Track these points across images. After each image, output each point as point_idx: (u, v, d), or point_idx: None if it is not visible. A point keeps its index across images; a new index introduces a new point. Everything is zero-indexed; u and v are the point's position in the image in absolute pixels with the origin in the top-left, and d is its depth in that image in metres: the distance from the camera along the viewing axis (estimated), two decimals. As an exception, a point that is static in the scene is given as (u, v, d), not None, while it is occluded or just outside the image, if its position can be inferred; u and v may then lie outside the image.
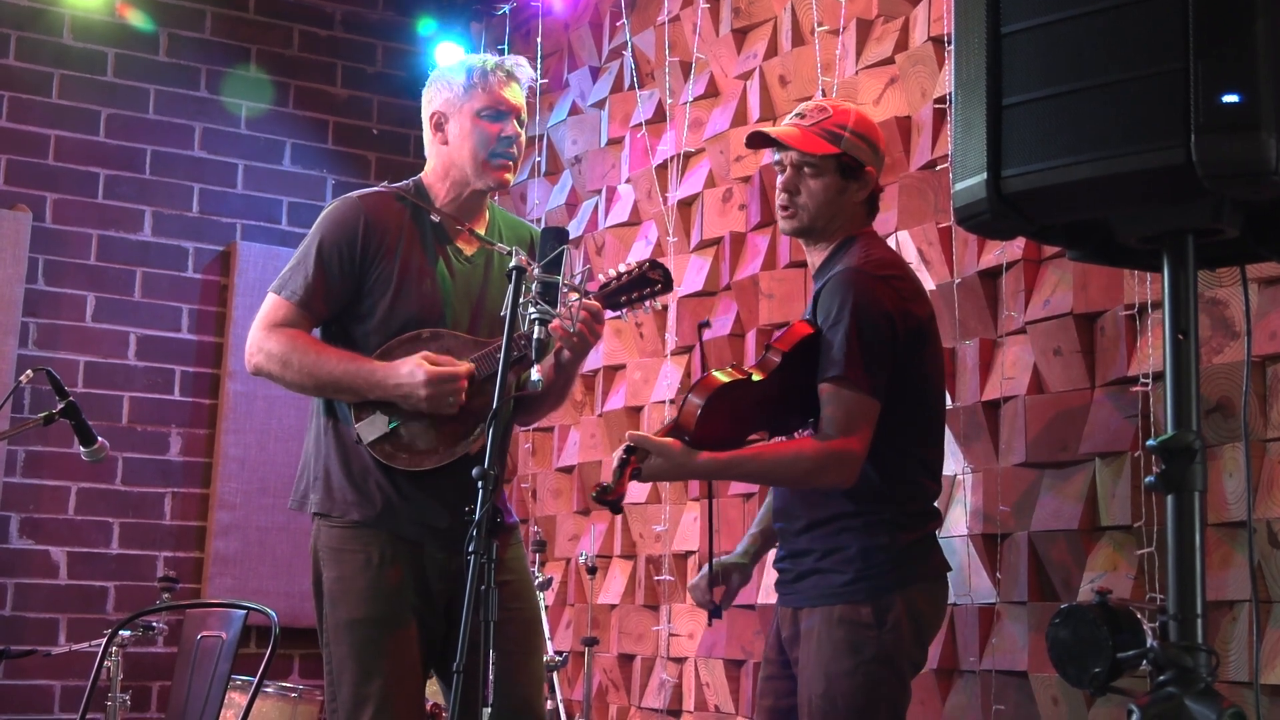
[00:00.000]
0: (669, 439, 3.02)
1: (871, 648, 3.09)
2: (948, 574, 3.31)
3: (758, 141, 3.39)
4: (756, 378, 3.13)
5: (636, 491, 5.54)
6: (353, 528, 3.37)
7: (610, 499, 2.96)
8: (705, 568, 3.42)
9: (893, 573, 3.15)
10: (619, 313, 3.44)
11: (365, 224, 3.41)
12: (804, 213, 3.29)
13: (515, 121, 3.50)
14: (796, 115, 3.37)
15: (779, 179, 3.33)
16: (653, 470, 3.00)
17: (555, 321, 3.13)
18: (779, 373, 3.13)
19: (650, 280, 3.44)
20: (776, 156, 3.35)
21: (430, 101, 3.54)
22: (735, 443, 3.13)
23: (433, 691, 4.36)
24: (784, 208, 3.32)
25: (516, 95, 3.51)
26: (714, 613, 3.40)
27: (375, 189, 3.55)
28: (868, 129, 3.33)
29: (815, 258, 3.36)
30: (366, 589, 3.32)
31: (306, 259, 3.41)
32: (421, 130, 3.60)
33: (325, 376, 3.35)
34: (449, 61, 3.62)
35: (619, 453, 3.01)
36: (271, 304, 3.42)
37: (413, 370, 3.30)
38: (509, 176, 3.52)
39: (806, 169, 3.28)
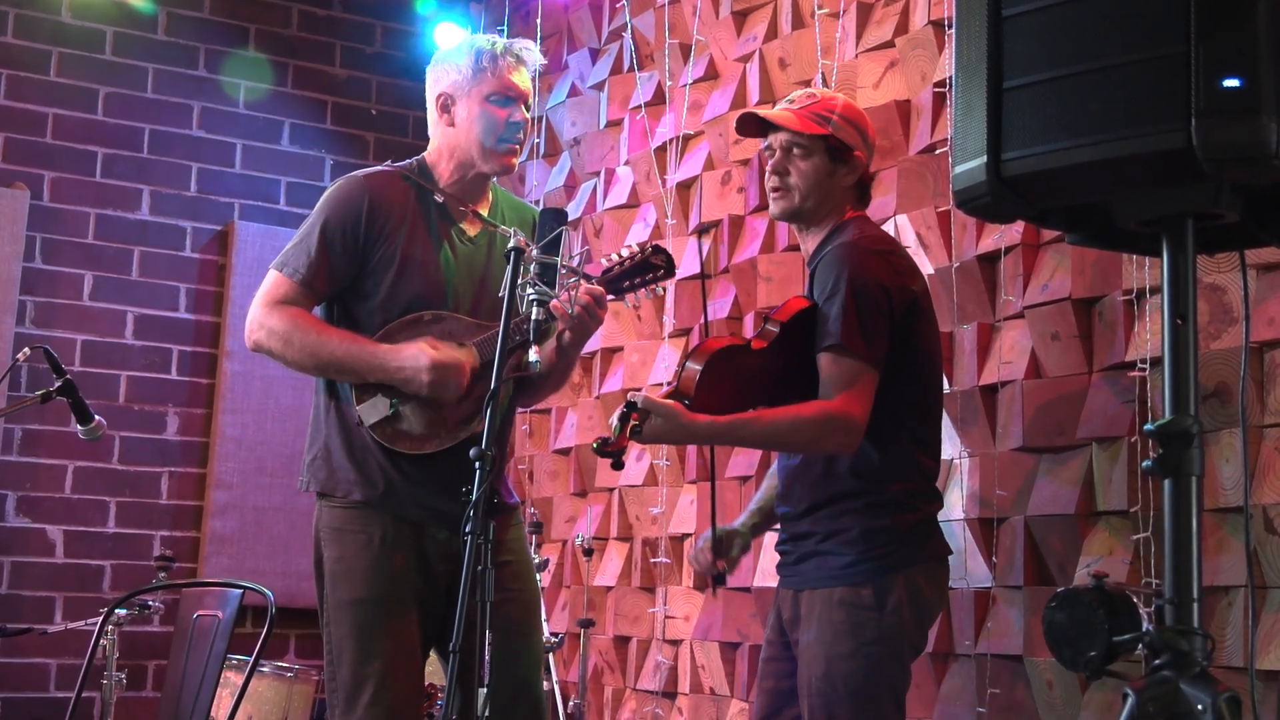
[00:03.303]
0: (670, 400, 3.02)
1: (872, 630, 3.10)
2: (948, 557, 3.31)
3: (748, 127, 3.41)
4: (755, 346, 3.14)
5: (634, 473, 5.55)
6: (354, 508, 3.36)
7: (610, 450, 2.95)
8: (706, 535, 3.41)
9: (894, 555, 3.15)
10: (620, 297, 3.44)
11: (370, 203, 3.40)
12: (794, 193, 3.32)
13: (523, 106, 3.49)
14: (787, 102, 3.41)
15: (769, 163, 3.35)
16: (653, 430, 2.97)
17: (556, 303, 3.13)
18: (777, 344, 3.14)
19: (653, 265, 3.44)
20: (767, 141, 3.37)
21: (437, 82, 3.52)
22: (736, 412, 3.12)
23: (430, 672, 4.37)
24: (774, 189, 3.35)
25: (525, 80, 3.50)
26: (718, 580, 3.40)
27: (380, 168, 3.53)
28: (856, 115, 3.36)
29: (808, 243, 3.38)
30: (367, 569, 3.32)
31: (310, 237, 3.40)
32: (420, 111, 3.58)
33: (327, 357, 3.34)
34: (455, 42, 3.59)
35: (620, 409, 2.98)
36: (273, 281, 3.41)
37: (416, 355, 3.29)
38: (514, 161, 3.51)
39: (796, 150, 3.31)
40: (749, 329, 4.97)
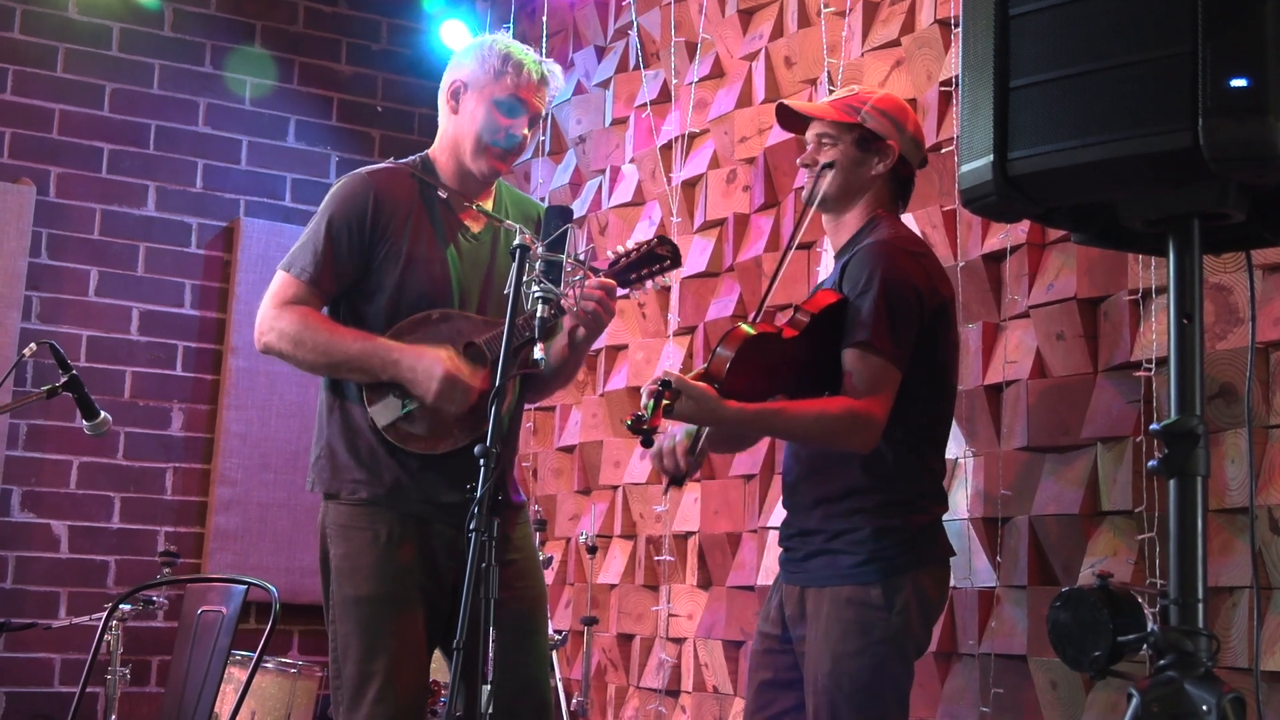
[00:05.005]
0: (702, 383, 3.00)
1: (880, 629, 3.10)
2: (951, 558, 3.32)
3: (789, 121, 3.45)
4: (786, 335, 3.13)
5: (637, 471, 5.55)
6: (361, 505, 3.35)
7: (645, 428, 2.90)
8: (674, 432, 3.27)
9: (904, 555, 3.15)
10: (628, 290, 3.43)
11: (375, 201, 3.40)
12: (821, 180, 3.30)
13: (527, 122, 3.48)
14: (830, 97, 3.42)
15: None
16: (684, 410, 2.94)
17: (570, 301, 3.12)
18: (807, 334, 3.13)
19: (659, 256, 3.43)
20: (807, 135, 3.38)
21: (457, 68, 3.51)
22: (762, 399, 3.11)
23: (434, 669, 4.37)
24: (808, 177, 3.35)
25: (541, 100, 3.49)
26: (677, 480, 3.26)
27: (384, 165, 3.53)
28: (893, 108, 3.34)
29: (838, 234, 3.37)
30: (373, 566, 3.31)
31: (316, 236, 3.39)
32: (425, 108, 3.59)
33: (340, 356, 3.33)
34: (491, 37, 3.54)
35: (652, 386, 2.94)
36: (281, 281, 3.40)
37: (433, 364, 3.27)
38: (503, 167, 3.51)
39: (825, 140, 3.32)
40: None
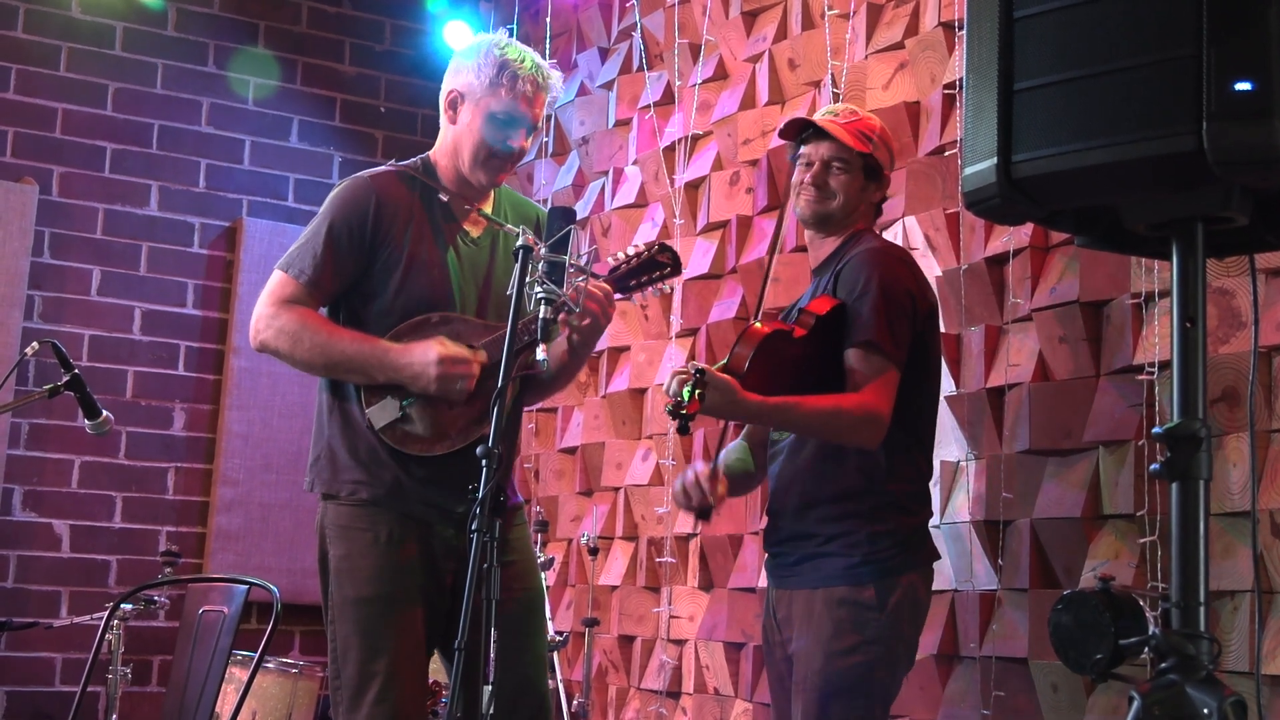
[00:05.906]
0: (727, 376, 3.03)
1: (873, 629, 3.13)
2: (936, 562, 3.35)
3: (792, 131, 3.45)
4: (796, 334, 3.19)
5: (639, 473, 5.55)
6: (361, 506, 3.34)
7: (684, 413, 2.91)
8: (696, 466, 3.28)
9: (898, 557, 3.19)
10: (627, 296, 3.43)
11: (376, 205, 3.38)
12: (831, 201, 3.36)
13: (525, 132, 3.46)
14: (829, 113, 3.42)
15: (806, 173, 3.36)
16: (711, 403, 2.97)
17: (568, 307, 3.13)
18: (812, 334, 3.20)
19: (659, 264, 3.44)
20: (803, 149, 3.38)
21: (455, 75, 3.47)
22: (767, 393, 3.12)
23: (434, 669, 4.37)
24: (811, 195, 3.36)
25: (538, 109, 3.45)
26: (703, 514, 3.27)
27: (385, 168, 3.51)
28: (890, 138, 3.46)
29: (822, 249, 3.43)
30: (374, 567, 3.30)
31: (316, 238, 3.38)
32: (429, 109, 3.57)
33: (337, 356, 3.32)
34: (488, 40, 3.49)
35: (685, 373, 2.95)
36: (279, 281, 3.39)
37: (425, 351, 3.27)
38: (502, 179, 3.50)
39: (837, 164, 3.36)
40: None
